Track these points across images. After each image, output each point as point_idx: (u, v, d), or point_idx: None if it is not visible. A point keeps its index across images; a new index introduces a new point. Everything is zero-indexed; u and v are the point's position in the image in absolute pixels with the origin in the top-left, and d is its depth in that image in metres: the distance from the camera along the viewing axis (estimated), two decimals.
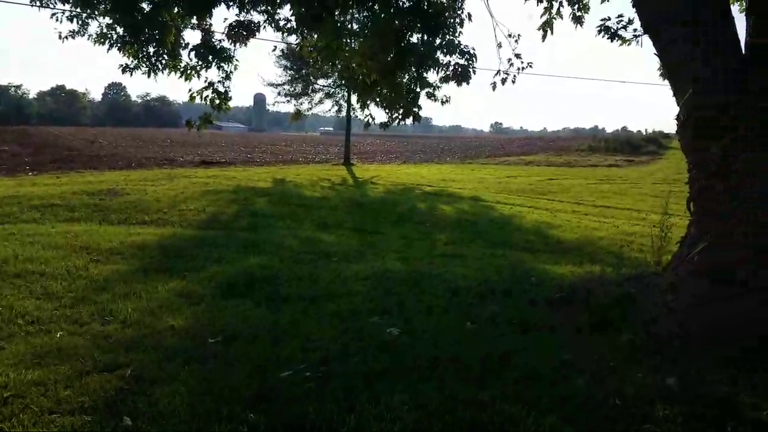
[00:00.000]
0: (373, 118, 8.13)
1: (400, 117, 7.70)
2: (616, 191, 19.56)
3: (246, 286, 5.91)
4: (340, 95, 29.31)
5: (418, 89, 7.42)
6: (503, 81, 7.33)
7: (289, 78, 29.14)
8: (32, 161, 23.55)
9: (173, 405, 3.24)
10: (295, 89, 29.25)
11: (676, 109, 5.15)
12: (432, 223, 11.31)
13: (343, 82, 26.89)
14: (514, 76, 7.37)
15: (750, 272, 4.51)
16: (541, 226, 10.91)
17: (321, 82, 29.25)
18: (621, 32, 5.96)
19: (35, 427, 2.98)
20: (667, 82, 5.52)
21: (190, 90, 7.80)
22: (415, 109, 7.53)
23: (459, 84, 7.05)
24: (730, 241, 4.73)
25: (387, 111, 8.83)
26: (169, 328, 4.54)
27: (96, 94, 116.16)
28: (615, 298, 5.31)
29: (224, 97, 7.96)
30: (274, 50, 29.64)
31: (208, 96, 7.86)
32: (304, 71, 28.34)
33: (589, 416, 3.32)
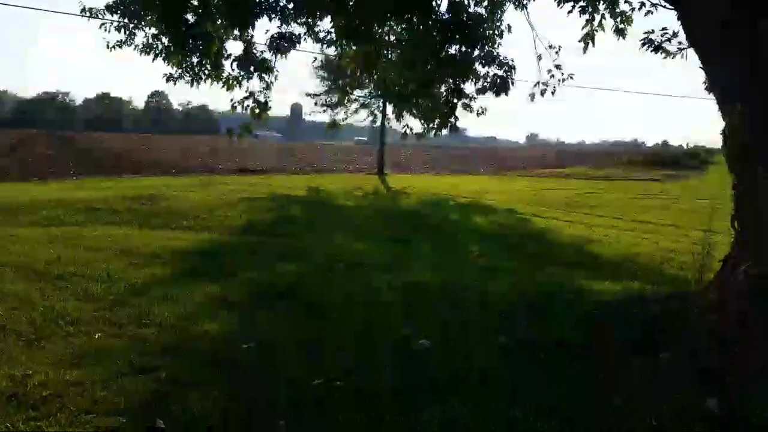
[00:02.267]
0: (411, 129, 8.13)
1: (436, 128, 7.68)
2: (656, 206, 19.05)
3: (280, 293, 5.96)
4: (375, 105, 29.53)
5: (455, 100, 7.39)
6: (542, 92, 7.24)
7: (326, 88, 29.48)
8: (77, 166, 24.41)
9: (206, 409, 3.28)
10: (331, 99, 29.57)
11: (720, 124, 5.00)
12: (465, 235, 11.24)
13: (379, 92, 27.09)
14: (555, 87, 7.27)
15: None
16: (578, 240, 10.70)
17: (357, 92, 29.52)
18: (665, 45, 5.83)
19: (71, 426, 3.05)
20: (711, 96, 5.37)
21: (231, 99, 7.94)
22: (452, 120, 7.50)
23: (498, 95, 7.00)
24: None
25: (423, 122, 8.84)
26: (204, 332, 4.61)
27: (139, 102, 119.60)
28: (654, 316, 5.15)
29: (264, 106, 8.09)
30: (314, 62, 30.03)
31: (248, 105, 7.99)
32: (340, 82, 28.63)
33: None
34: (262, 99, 8.32)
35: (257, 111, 8.38)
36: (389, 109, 29.24)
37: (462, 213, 14.71)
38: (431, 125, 7.79)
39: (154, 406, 3.31)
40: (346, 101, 29.37)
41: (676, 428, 3.29)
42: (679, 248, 10.11)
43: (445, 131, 7.70)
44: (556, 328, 5.13)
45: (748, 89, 4.67)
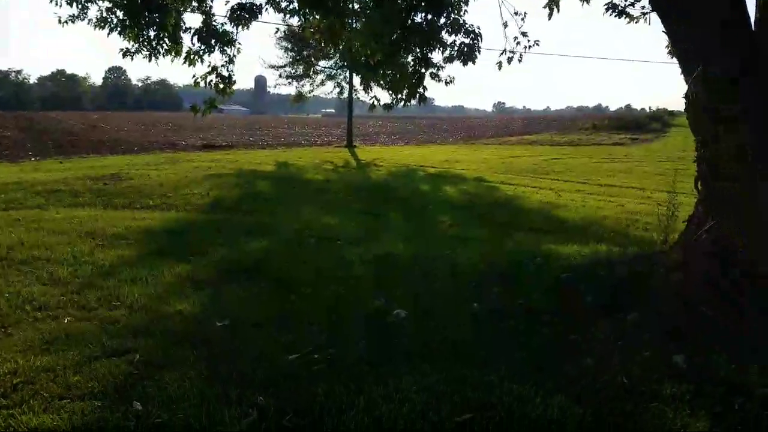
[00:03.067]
0: (378, 100, 8.05)
1: (404, 98, 7.60)
2: (620, 170, 19.46)
3: (251, 270, 5.91)
4: (341, 77, 29.10)
5: (423, 70, 7.31)
6: (509, 60, 7.22)
7: (291, 60, 28.87)
8: (34, 147, 23.54)
9: (183, 389, 3.26)
10: (296, 71, 29.02)
11: (682, 87, 5.09)
12: (435, 205, 11.27)
13: (345, 63, 26.69)
14: (521, 54, 7.26)
15: (755, 253, 4.48)
16: (545, 206, 10.86)
17: (322, 63, 29.04)
18: (629, 10, 5.85)
19: (45, 413, 2.99)
20: (674, 59, 5.44)
21: (194, 75, 7.72)
22: (420, 90, 7.43)
23: (465, 63, 6.95)
24: (737, 221, 4.70)
25: (391, 92, 8.74)
26: (177, 312, 4.55)
27: (96, 79, 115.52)
28: (621, 277, 5.29)
29: (228, 81, 7.88)
30: (276, 32, 29.28)
31: (212, 81, 7.78)
32: (305, 53, 28.08)
33: (597, 396, 3.31)
34: (225, 73, 8.10)
35: (221, 86, 8.16)
36: (356, 80, 28.91)
37: (432, 183, 14.74)
38: (399, 96, 7.71)
39: (130, 389, 3.26)
40: (311, 73, 28.85)
41: (646, 385, 3.40)
42: (643, 210, 10.37)
43: (413, 102, 7.63)
44: (526, 294, 5.23)
45: (710, 53, 4.74)
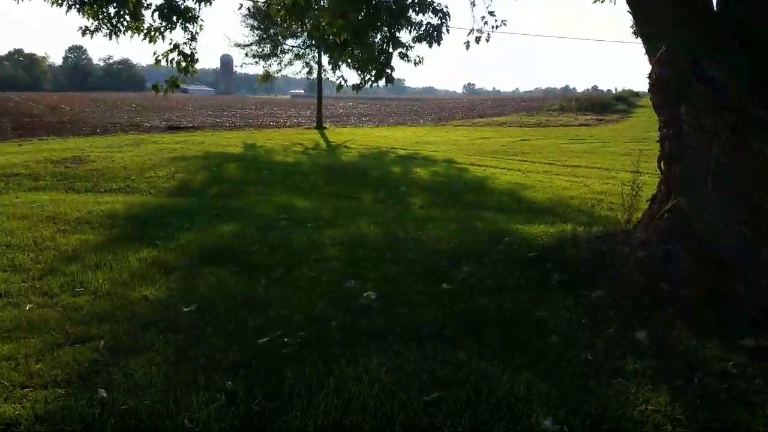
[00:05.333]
0: (346, 81, 7.96)
1: (372, 79, 7.54)
2: (586, 150, 19.79)
3: (219, 254, 5.83)
4: (310, 56, 28.64)
5: (390, 49, 7.25)
6: (477, 39, 7.21)
7: (257, 38, 28.29)
8: None
9: (149, 375, 3.21)
10: (263, 50, 28.43)
11: (646, 68, 5.17)
12: (406, 187, 11.31)
13: (313, 42, 26.29)
14: (488, 34, 7.25)
15: (714, 232, 4.62)
16: (514, 187, 10.99)
17: (290, 42, 28.51)
18: None
19: (7, 402, 2.91)
20: (639, 40, 5.51)
21: (155, 53, 7.53)
22: (388, 71, 7.38)
23: (431, 44, 6.92)
24: (697, 201, 4.83)
25: (359, 72, 8.66)
26: (143, 298, 4.47)
27: (56, 58, 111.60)
28: (587, 256, 5.41)
29: (191, 59, 7.71)
30: (239, 9, 28.58)
31: (173, 59, 7.59)
32: (272, 31, 27.52)
33: (562, 372, 3.39)
34: (188, 51, 7.93)
35: (183, 64, 7.97)
36: (325, 60, 28.51)
37: (403, 165, 14.74)
38: (368, 76, 7.64)
39: (95, 376, 3.20)
40: (278, 52, 28.32)
41: (609, 361, 3.50)
42: (608, 190, 10.59)
43: (381, 82, 7.57)
44: (494, 273, 5.30)
45: (673, 33, 4.82)
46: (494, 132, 29.00)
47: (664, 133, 5.51)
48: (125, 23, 7.89)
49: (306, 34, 25.39)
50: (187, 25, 7.62)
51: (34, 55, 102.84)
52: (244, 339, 3.79)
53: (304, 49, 28.27)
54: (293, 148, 18.51)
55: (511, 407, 2.94)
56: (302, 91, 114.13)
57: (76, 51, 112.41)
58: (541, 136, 25.61)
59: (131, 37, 7.64)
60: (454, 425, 2.76)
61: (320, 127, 29.78)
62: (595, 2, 5.81)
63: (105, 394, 2.97)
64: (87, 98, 50.24)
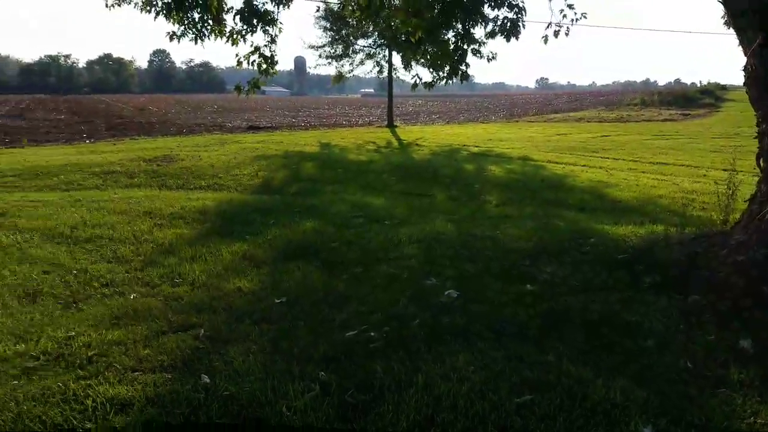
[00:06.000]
0: (420, 79, 7.95)
1: (446, 76, 7.49)
2: (673, 147, 18.79)
3: (302, 249, 6.00)
4: (380, 55, 28.85)
5: (465, 46, 7.17)
6: (556, 34, 6.98)
7: (330, 39, 28.80)
8: (88, 129, 24.38)
9: (247, 364, 3.37)
10: (335, 51, 28.92)
11: (737, 60, 4.86)
12: (480, 185, 11.17)
13: (384, 41, 26.45)
14: (568, 28, 7.01)
15: None
16: (596, 185, 10.61)
17: (361, 42, 28.83)
18: None
19: (120, 384, 3.14)
20: (730, 31, 5.18)
21: (237, 55, 7.85)
22: (463, 67, 7.31)
23: (508, 39, 6.78)
24: None
25: (431, 70, 8.64)
26: (237, 289, 4.68)
27: (142, 62, 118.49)
28: (680, 258, 5.15)
29: (270, 61, 7.97)
30: (317, 11, 29.16)
31: (254, 61, 7.87)
32: (344, 32, 27.95)
33: (660, 379, 3.26)
34: (267, 53, 8.19)
35: (263, 66, 8.25)
36: (396, 58, 28.65)
37: (476, 163, 14.57)
38: (441, 73, 7.60)
39: (197, 363, 3.40)
40: (350, 52, 28.72)
41: (712, 370, 3.33)
42: (699, 189, 10.02)
43: (455, 79, 7.51)
44: (580, 274, 5.15)
45: None
46: (571, 128, 28.08)
47: (762, 128, 5.16)
48: (209, 27, 8.25)
49: (377, 33, 25.62)
50: (267, 28, 7.88)
51: (122, 59, 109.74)
52: (331, 332, 3.89)
53: (375, 49, 28.53)
54: (366, 147, 18.73)
55: (607, 413, 2.86)
56: (372, 90, 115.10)
57: (160, 54, 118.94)
58: (623, 132, 24.54)
59: (215, 40, 7.99)
60: (548, 429, 2.72)
61: (391, 125, 29.94)
62: None
63: (208, 380, 3.15)
64: (171, 100, 53.03)
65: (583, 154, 16.39)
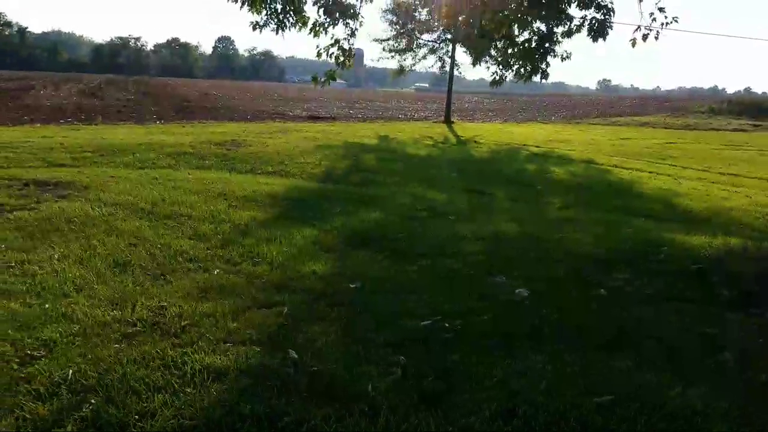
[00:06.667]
0: (503, 76, 7.95)
1: (527, 75, 7.47)
2: (743, 158, 18.02)
3: (368, 238, 6.16)
4: (443, 51, 28.79)
5: (548, 44, 7.12)
6: (644, 37, 6.83)
7: (394, 33, 28.94)
8: (156, 111, 25.39)
9: (329, 343, 3.53)
10: (399, 44, 29.04)
11: None
12: (543, 186, 11.08)
13: (449, 36, 26.34)
14: (657, 32, 6.84)
15: None
16: (665, 193, 10.36)
17: (425, 36, 28.85)
18: None
19: (214, 354, 3.35)
20: None
21: (317, 47, 8.00)
22: (543, 66, 7.27)
23: (595, 40, 6.72)
24: None
25: (500, 67, 8.59)
26: (311, 272, 4.87)
27: (206, 47, 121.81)
28: (759, 272, 5.02)
29: (349, 54, 8.11)
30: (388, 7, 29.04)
31: (333, 53, 8.03)
32: (409, 26, 28.01)
33: (739, 391, 3.23)
34: (346, 46, 8.33)
35: (341, 59, 8.41)
36: (459, 55, 28.48)
37: (537, 163, 14.43)
38: (522, 71, 7.57)
39: (282, 339, 3.58)
40: (414, 46, 28.78)
41: None
42: None
43: (536, 77, 7.48)
44: (653, 282, 5.09)
45: None
46: (636, 132, 27.29)
47: None
48: (291, 18, 8.47)
49: (442, 29, 25.56)
50: (348, 21, 8.03)
51: (188, 43, 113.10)
52: (405, 319, 4.01)
53: (439, 44, 28.48)
54: (423, 141, 18.79)
55: (687, 419, 2.87)
56: (426, 85, 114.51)
57: (225, 41, 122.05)
58: (691, 140, 23.68)
59: (298, 30, 8.19)
60: (630, 429, 2.76)
61: (448, 121, 29.85)
62: None
63: (295, 356, 3.32)
64: (234, 86, 54.48)
65: (650, 160, 15.94)
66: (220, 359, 3.29)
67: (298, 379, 3.08)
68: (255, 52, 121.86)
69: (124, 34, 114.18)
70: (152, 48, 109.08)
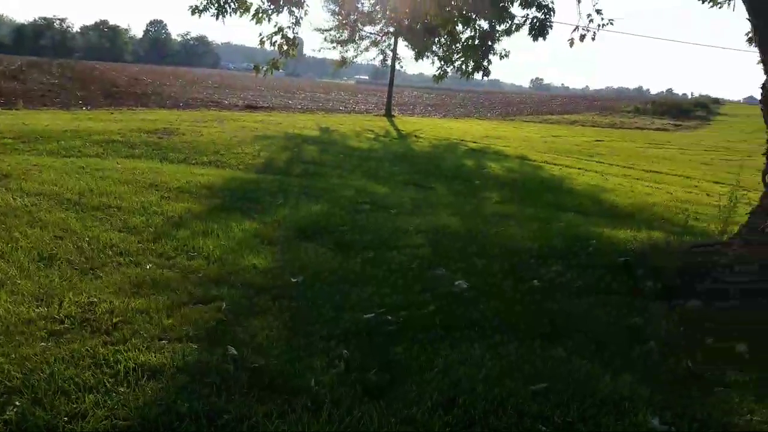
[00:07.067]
0: (446, 71, 8.03)
1: (470, 71, 7.59)
2: (665, 156, 19.14)
3: (312, 231, 6.10)
4: (386, 44, 28.83)
5: (490, 42, 7.27)
6: (582, 38, 7.07)
7: (336, 24, 28.66)
8: (83, 96, 24.08)
9: (271, 338, 3.47)
10: (341, 35, 28.81)
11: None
12: (481, 181, 11.33)
13: (392, 29, 26.38)
14: (594, 33, 7.10)
15: None
16: (593, 189, 10.84)
17: (368, 29, 28.77)
18: None
19: (149, 351, 3.23)
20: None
21: (260, 34, 7.79)
22: (485, 63, 7.41)
23: (536, 39, 6.89)
24: None
25: (442, 62, 8.71)
26: (252, 266, 4.77)
27: (137, 31, 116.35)
28: (681, 265, 5.33)
29: (293, 43, 7.95)
30: None
31: (276, 41, 7.85)
32: (352, 17, 27.84)
33: (663, 378, 3.43)
34: (291, 35, 8.16)
35: (285, 48, 8.23)
36: (401, 49, 28.59)
37: (475, 159, 14.75)
38: (465, 68, 7.69)
39: (221, 335, 3.49)
40: (356, 38, 28.63)
41: (713, 372, 3.50)
42: (692, 199, 10.29)
43: (478, 74, 7.62)
44: (583, 274, 5.32)
45: None
46: (566, 130, 28.39)
47: None
48: (233, 4, 8.20)
49: (384, 21, 25.56)
50: (293, 9, 7.85)
51: (118, 26, 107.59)
52: (349, 312, 4.01)
53: (381, 37, 28.48)
54: (365, 134, 18.79)
55: (616, 404, 3.02)
56: (366, 77, 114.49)
57: (157, 25, 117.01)
58: (618, 138, 24.90)
59: (240, 16, 7.92)
60: (563, 415, 2.87)
61: (389, 114, 29.96)
62: (712, 7, 5.63)
63: (235, 352, 3.25)
64: (166, 72, 52.26)
65: (579, 157, 16.63)
66: (155, 357, 3.17)
67: (239, 375, 3.02)
68: (189, 37, 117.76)
69: (49, 15, 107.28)
70: (79, 30, 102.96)
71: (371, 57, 29.81)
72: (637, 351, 3.80)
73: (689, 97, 60.58)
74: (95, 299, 3.89)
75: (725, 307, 4.55)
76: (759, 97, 5.32)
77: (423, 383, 3.09)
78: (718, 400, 3.20)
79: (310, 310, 3.97)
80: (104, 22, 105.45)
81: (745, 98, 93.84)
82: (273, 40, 7.79)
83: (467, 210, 8.38)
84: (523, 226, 7.36)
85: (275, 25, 7.76)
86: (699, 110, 44.20)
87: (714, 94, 53.30)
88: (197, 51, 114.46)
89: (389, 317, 3.95)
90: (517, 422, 2.78)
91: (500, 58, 8.64)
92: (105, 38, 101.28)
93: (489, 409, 2.89)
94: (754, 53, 5.35)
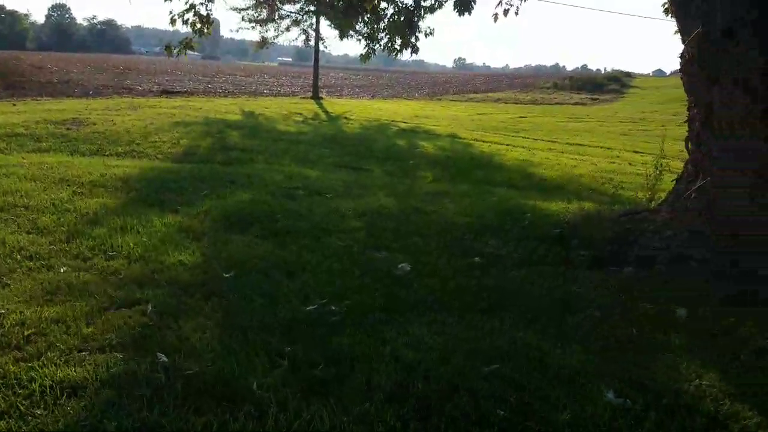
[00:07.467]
0: (373, 50, 7.82)
1: (398, 49, 7.42)
2: (585, 129, 19.86)
3: (243, 220, 5.78)
4: (308, 23, 28.08)
5: (416, 19, 7.12)
6: (505, 12, 7.08)
7: (254, 2, 27.57)
8: None
9: (205, 340, 3.21)
10: (259, 14, 27.75)
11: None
12: (414, 161, 11.25)
13: (311, 8, 25.72)
14: (517, 7, 7.11)
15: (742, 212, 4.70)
16: (521, 164, 11.02)
17: (288, 7, 27.88)
18: None
19: (68, 366, 2.88)
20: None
21: (171, 12, 7.30)
22: (413, 40, 7.26)
23: (461, 14, 6.81)
24: (725, 181, 4.89)
25: (368, 42, 8.52)
26: (178, 263, 4.43)
27: (38, 16, 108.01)
28: (612, 234, 5.46)
29: (207, 20, 7.50)
30: None
31: (189, 19, 7.37)
32: None
33: (609, 345, 3.46)
34: (204, 12, 7.71)
35: (198, 26, 7.77)
36: (324, 28, 28.01)
37: (406, 139, 14.65)
38: (392, 45, 7.51)
39: (149, 340, 3.19)
40: (276, 17, 27.68)
41: (656, 336, 3.57)
42: (615, 169, 10.68)
43: (406, 52, 7.46)
44: (521, 248, 5.34)
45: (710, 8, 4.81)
46: (492, 108, 28.92)
47: (693, 113, 5.54)
48: None
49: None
50: None
51: (16, 12, 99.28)
52: (289, 305, 3.79)
53: (302, 16, 27.71)
54: (293, 118, 18.27)
55: (571, 379, 3.00)
56: (290, 60, 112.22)
57: (59, 9, 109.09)
58: (539, 114, 25.62)
59: None
60: (519, 396, 2.81)
61: (317, 97, 29.37)
62: None
63: (165, 359, 2.96)
64: (72, 59, 48.74)
65: (506, 133, 16.93)
66: (75, 371, 2.84)
67: (172, 384, 2.74)
68: (95, 21, 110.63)
69: None
70: None
71: (293, 37, 29.10)
72: (578, 319, 3.82)
73: (603, 72, 63.29)
74: (3, 310, 3.47)
75: (658, 273, 4.68)
76: (667, 71, 5.51)
77: (373, 373, 2.94)
78: (666, 367, 3.24)
79: (246, 306, 3.72)
80: (1, 8, 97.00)
81: (653, 71, 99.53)
82: (185, 18, 7.32)
83: (402, 190, 8.27)
84: (458, 202, 7.35)
85: (186, 2, 7.29)
86: (613, 84, 46.24)
87: (626, 69, 56.07)
88: (106, 36, 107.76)
89: (332, 307, 3.77)
90: (474, 407, 2.67)
91: (425, 36, 8.52)
92: (2, 24, 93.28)
93: (443, 395, 2.78)
94: (671, 23, 5.49)
